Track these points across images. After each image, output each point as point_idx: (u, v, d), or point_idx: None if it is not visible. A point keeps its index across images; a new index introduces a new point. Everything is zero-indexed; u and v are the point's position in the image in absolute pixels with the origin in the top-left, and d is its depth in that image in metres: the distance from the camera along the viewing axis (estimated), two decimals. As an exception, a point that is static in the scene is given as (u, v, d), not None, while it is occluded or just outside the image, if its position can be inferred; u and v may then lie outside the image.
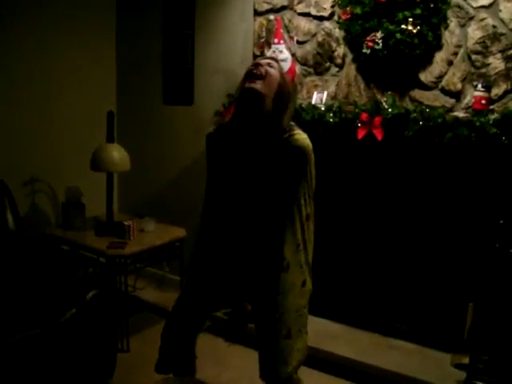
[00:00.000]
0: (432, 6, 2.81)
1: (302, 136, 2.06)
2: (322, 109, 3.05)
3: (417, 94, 3.01)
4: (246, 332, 3.15)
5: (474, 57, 2.83)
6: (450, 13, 2.85)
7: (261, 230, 2.11)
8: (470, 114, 2.73)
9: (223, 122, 2.51)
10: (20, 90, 3.54)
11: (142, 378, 2.80)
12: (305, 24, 3.35)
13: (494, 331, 2.65)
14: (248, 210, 2.12)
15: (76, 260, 2.95)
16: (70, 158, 3.85)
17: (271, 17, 3.42)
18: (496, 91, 2.76)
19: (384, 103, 2.89)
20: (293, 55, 3.34)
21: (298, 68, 3.36)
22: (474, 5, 2.78)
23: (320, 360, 2.95)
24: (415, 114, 2.77)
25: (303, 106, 3.12)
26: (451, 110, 2.90)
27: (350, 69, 3.22)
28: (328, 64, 3.31)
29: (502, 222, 2.65)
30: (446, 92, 2.94)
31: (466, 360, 2.72)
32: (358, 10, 3.00)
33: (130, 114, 4.22)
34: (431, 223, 2.94)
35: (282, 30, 3.31)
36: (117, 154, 3.40)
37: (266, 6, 3.47)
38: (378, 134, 2.83)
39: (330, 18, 3.24)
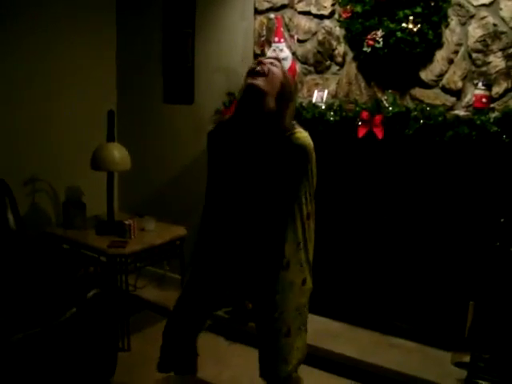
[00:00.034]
0: (432, 4, 2.81)
1: (303, 134, 2.06)
2: (323, 107, 3.04)
3: (417, 92, 3.01)
4: (247, 331, 3.14)
5: (474, 55, 2.82)
6: (450, 11, 2.84)
7: (261, 229, 2.11)
8: (471, 113, 2.72)
9: (223, 119, 2.50)
10: (21, 89, 3.54)
11: (143, 377, 2.80)
12: (305, 22, 3.34)
13: (494, 330, 2.65)
14: (249, 209, 2.12)
15: (77, 259, 2.95)
16: (71, 157, 3.85)
17: (272, 15, 3.42)
18: (497, 89, 2.76)
19: (384, 102, 2.89)
20: (293, 54, 3.34)
21: (298, 66, 3.36)
22: (475, 3, 2.78)
23: (320, 358, 2.95)
24: (416, 113, 2.76)
25: (304, 104, 3.12)
26: (452, 108, 2.90)
27: (351, 67, 3.22)
28: (328, 62, 3.31)
29: (502, 220, 2.65)
30: (446, 90, 2.93)
31: (466, 358, 2.72)
32: (359, 9, 2.99)
33: (131, 113, 4.21)
34: (432, 221, 2.94)
35: (282, 29, 3.31)
36: (117, 153, 3.40)
37: (266, 5, 3.46)
38: (379, 133, 2.83)
39: (330, 16, 3.24)
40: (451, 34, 2.88)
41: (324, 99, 3.15)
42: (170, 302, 2.56)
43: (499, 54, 2.74)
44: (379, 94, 3.09)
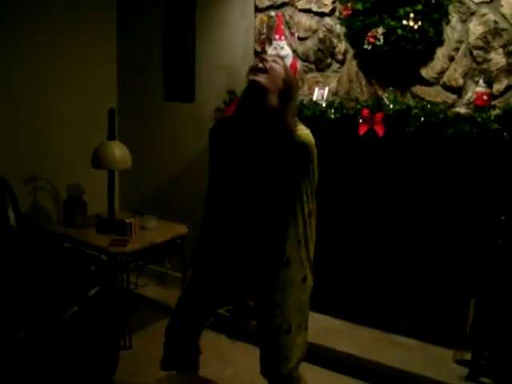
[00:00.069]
0: (433, 1, 2.81)
1: (304, 131, 2.05)
2: (324, 105, 3.05)
3: (418, 89, 3.01)
4: (249, 329, 3.14)
5: (475, 52, 2.82)
6: (451, 8, 2.84)
7: (263, 226, 2.11)
8: (472, 110, 2.72)
9: (224, 116, 2.50)
10: (21, 87, 3.54)
11: (145, 375, 2.80)
12: (306, 20, 3.34)
13: (496, 327, 2.65)
14: (250, 206, 2.12)
15: (78, 257, 2.96)
16: (72, 155, 3.85)
17: (272, 13, 3.41)
18: (498, 87, 2.75)
19: (385, 99, 2.89)
20: (294, 51, 3.34)
21: (299, 64, 3.36)
22: (476, 0, 2.77)
23: (321, 356, 2.96)
24: (416, 110, 2.76)
25: (304, 102, 3.12)
26: (453, 105, 2.90)
27: (352, 65, 3.22)
28: (329, 60, 3.30)
29: (503, 218, 2.65)
30: (447, 88, 2.93)
31: (468, 356, 2.73)
32: (359, 6, 2.99)
33: (131, 112, 4.21)
34: (433, 219, 2.94)
35: (283, 27, 3.31)
36: (118, 152, 3.39)
37: (266, 3, 3.46)
38: (380, 130, 2.83)
39: (331, 14, 3.24)
40: (452, 32, 2.87)
41: (325, 97, 3.15)
42: (171, 300, 2.57)
43: (500, 50, 2.74)
44: (380, 92, 3.09)
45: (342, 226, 3.23)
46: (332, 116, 2.97)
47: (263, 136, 2.05)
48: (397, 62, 2.99)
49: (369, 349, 2.96)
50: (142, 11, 4.07)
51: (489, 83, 2.70)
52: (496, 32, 2.73)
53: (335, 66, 3.29)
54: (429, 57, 2.95)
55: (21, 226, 2.92)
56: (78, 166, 3.76)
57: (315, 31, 3.32)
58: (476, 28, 2.79)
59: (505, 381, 2.59)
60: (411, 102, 2.93)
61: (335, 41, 3.24)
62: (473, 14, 2.79)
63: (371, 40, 2.94)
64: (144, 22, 4.07)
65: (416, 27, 2.83)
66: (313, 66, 3.37)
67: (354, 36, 3.08)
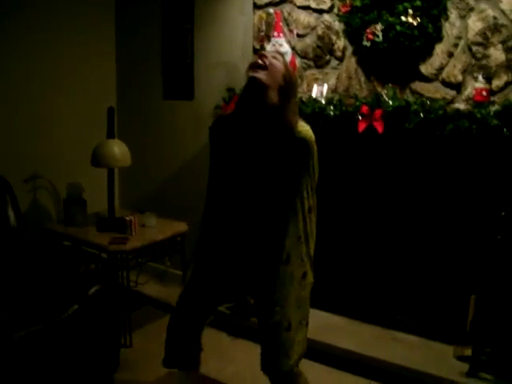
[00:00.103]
0: (432, -3, 2.81)
1: (304, 128, 2.05)
2: (323, 102, 3.04)
3: (417, 86, 3.01)
4: (249, 326, 3.15)
5: (474, 48, 2.82)
6: (450, 4, 2.84)
7: (263, 223, 2.10)
8: (471, 106, 2.72)
9: (223, 113, 2.49)
10: (20, 87, 3.54)
11: (146, 373, 2.81)
12: (304, 17, 3.34)
13: (496, 323, 2.65)
14: (250, 202, 2.12)
15: (78, 256, 2.95)
16: (71, 154, 3.85)
17: (271, 10, 3.41)
18: (497, 83, 2.75)
19: (384, 96, 2.88)
20: (293, 48, 3.33)
21: (298, 61, 3.35)
22: (474, -4, 2.77)
23: (322, 353, 2.96)
24: (416, 107, 2.76)
25: (304, 99, 3.12)
26: (452, 101, 2.90)
27: (350, 62, 3.21)
28: (328, 57, 3.30)
29: (503, 213, 2.65)
30: (446, 84, 2.93)
31: (468, 352, 2.73)
32: (358, 3, 2.99)
33: (130, 110, 4.21)
34: (433, 215, 2.94)
35: (281, 24, 3.31)
36: (117, 150, 3.39)
37: (265, 0, 3.45)
38: (379, 127, 2.83)
39: (329, 10, 3.23)
40: (451, 28, 2.87)
41: (324, 94, 3.15)
42: (171, 297, 2.56)
43: (499, 46, 2.74)
44: (379, 88, 3.09)
45: (342, 223, 3.23)
46: (331, 113, 2.97)
47: (263, 133, 2.05)
48: (396, 58, 2.99)
49: (369, 345, 2.96)
50: (140, 9, 4.07)
51: (488, 79, 2.70)
52: (495, 28, 2.73)
53: (334, 62, 3.29)
54: (428, 53, 2.95)
55: (21, 225, 2.92)
56: (78, 165, 3.76)
57: (314, 28, 3.31)
58: (475, 24, 2.79)
59: (505, 376, 2.59)
60: (410, 99, 2.92)
61: (334, 38, 3.24)
62: (472, 9, 2.79)
63: (370, 36, 2.94)
64: (142, 21, 4.07)
65: (415, 23, 2.83)
66: (312, 63, 3.37)
67: (353, 33, 3.08)
